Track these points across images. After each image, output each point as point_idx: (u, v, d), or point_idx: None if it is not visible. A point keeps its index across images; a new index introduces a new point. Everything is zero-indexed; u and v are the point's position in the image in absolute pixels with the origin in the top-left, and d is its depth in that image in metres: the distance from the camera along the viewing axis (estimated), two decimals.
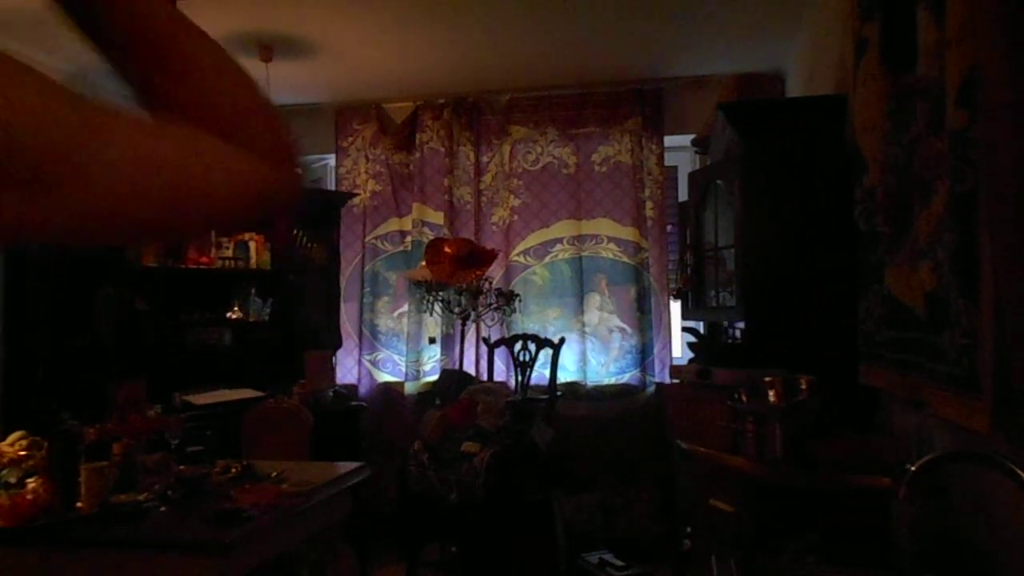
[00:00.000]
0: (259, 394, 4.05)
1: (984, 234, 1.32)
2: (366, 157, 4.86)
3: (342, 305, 4.78)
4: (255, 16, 3.53)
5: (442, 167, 4.71)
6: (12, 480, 2.45)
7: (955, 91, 1.37)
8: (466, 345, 4.46)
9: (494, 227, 4.66)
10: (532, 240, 4.65)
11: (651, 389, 4.47)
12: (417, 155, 4.77)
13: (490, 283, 4.29)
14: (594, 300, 4.60)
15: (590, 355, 4.57)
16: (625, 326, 4.52)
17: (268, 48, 3.87)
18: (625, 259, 4.54)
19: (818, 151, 2.63)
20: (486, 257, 4.22)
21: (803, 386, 2.10)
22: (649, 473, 4.22)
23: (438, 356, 4.65)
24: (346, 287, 4.84)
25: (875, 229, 2.01)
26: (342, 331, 4.74)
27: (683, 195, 4.27)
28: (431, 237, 4.57)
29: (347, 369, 4.86)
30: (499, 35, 3.83)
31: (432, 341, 4.64)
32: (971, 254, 1.36)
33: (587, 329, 4.57)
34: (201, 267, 4.25)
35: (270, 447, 3.43)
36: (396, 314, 4.84)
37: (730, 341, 3.53)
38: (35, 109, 0.45)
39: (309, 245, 4.65)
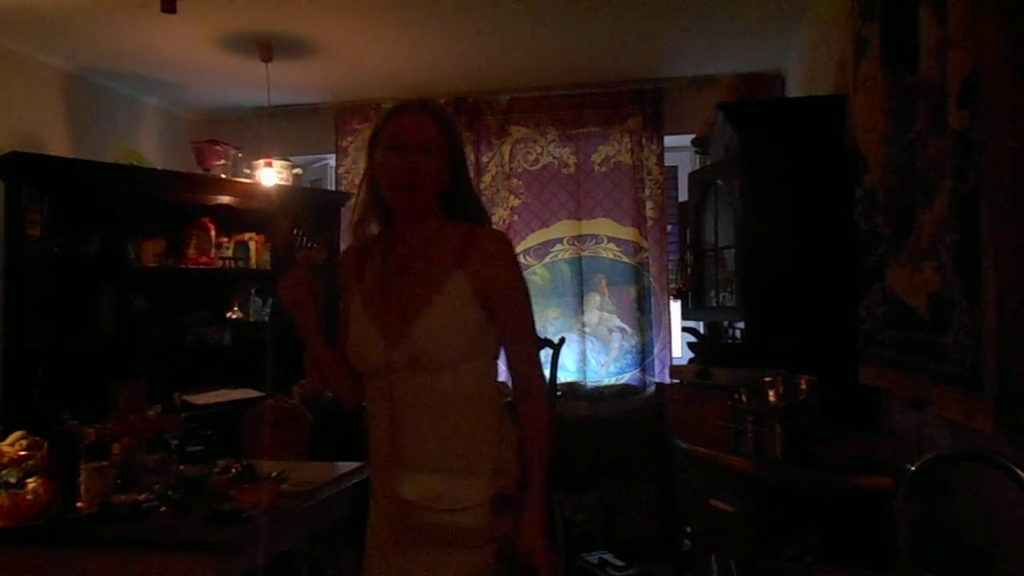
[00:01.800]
0: (259, 394, 4.05)
1: (987, 234, 1.32)
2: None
3: (341, 305, 4.76)
4: (255, 16, 3.53)
5: None
6: (12, 480, 2.45)
7: (957, 91, 1.37)
8: None
9: (494, 227, 4.65)
10: (532, 240, 4.65)
11: (651, 389, 4.47)
12: None
13: None
14: (594, 300, 4.60)
15: (590, 355, 4.57)
16: (625, 326, 4.53)
17: (268, 48, 3.87)
18: (625, 259, 4.54)
19: (818, 151, 2.63)
20: None
21: (803, 386, 2.10)
22: (649, 473, 4.21)
23: None
24: None
25: (876, 229, 2.01)
26: None
27: (683, 195, 4.27)
28: None
29: None
30: (499, 35, 3.83)
31: None
32: (974, 254, 1.36)
33: (587, 329, 4.57)
34: (201, 267, 4.25)
35: (270, 447, 3.42)
36: None
37: (730, 341, 3.53)
38: None
39: (309, 245, 4.65)
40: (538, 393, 1.56)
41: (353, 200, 1.66)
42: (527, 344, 1.58)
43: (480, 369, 1.53)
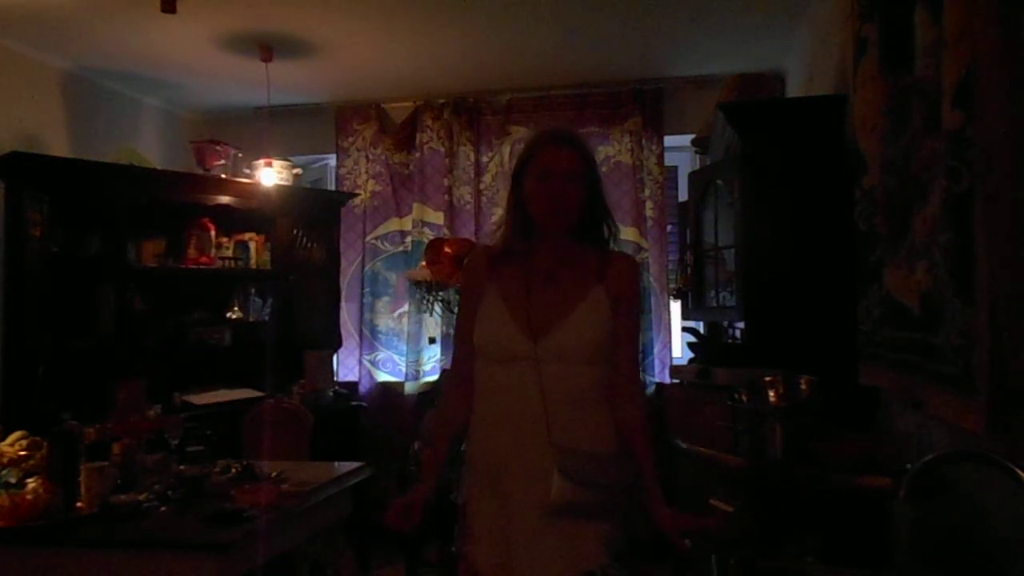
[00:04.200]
0: (259, 394, 4.05)
1: (980, 235, 1.32)
2: (366, 157, 4.86)
3: (342, 305, 4.78)
4: (255, 16, 3.53)
5: (442, 167, 4.71)
6: (12, 480, 2.45)
7: (951, 91, 1.37)
8: None
9: (494, 227, 4.65)
10: None
11: (651, 389, 4.47)
12: (417, 155, 4.77)
13: None
14: None
15: None
16: None
17: (268, 48, 3.87)
18: None
19: (818, 151, 2.62)
20: None
21: (803, 386, 2.09)
22: None
23: (438, 356, 4.65)
24: (346, 287, 4.84)
25: (874, 229, 2.01)
26: (342, 331, 4.74)
27: (683, 195, 4.27)
28: (431, 237, 4.57)
29: (347, 369, 4.86)
30: (499, 35, 3.83)
31: (432, 341, 4.64)
32: (967, 255, 1.36)
33: None
34: (201, 267, 4.25)
35: (270, 447, 3.43)
36: (396, 314, 4.84)
37: (730, 341, 3.53)
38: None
39: (309, 245, 4.65)
40: (641, 392, 1.86)
41: (498, 217, 1.91)
42: (635, 350, 1.86)
43: (607, 369, 1.75)
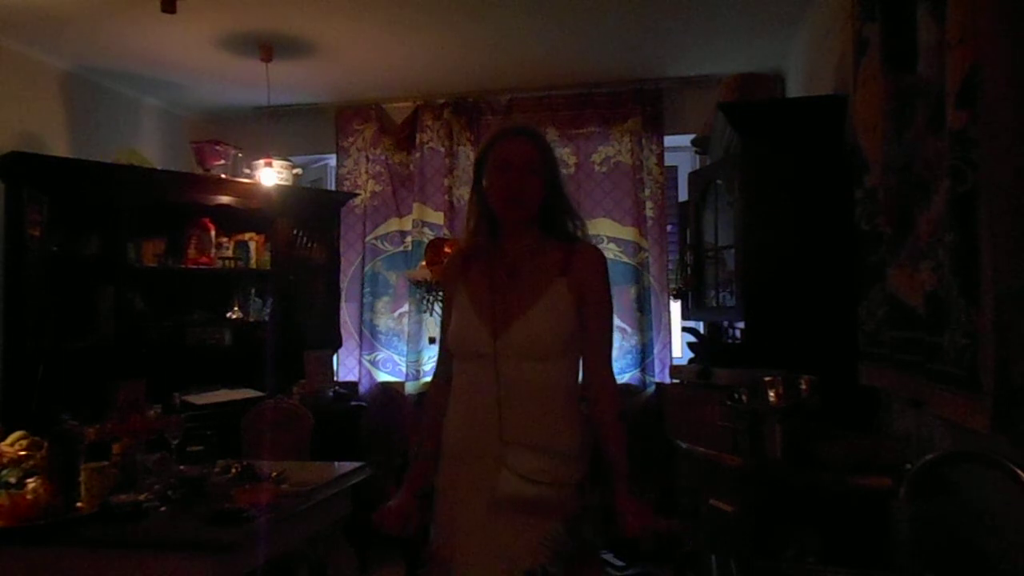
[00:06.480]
0: (259, 394, 4.05)
1: (985, 234, 1.32)
2: (366, 157, 4.86)
3: (342, 305, 4.78)
4: (255, 16, 3.53)
5: (442, 167, 4.71)
6: (12, 480, 2.45)
7: (955, 91, 1.37)
8: None
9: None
10: None
11: (651, 389, 4.47)
12: (417, 155, 4.77)
13: None
14: None
15: None
16: (625, 326, 4.52)
17: (268, 48, 3.87)
18: (625, 259, 4.54)
19: (818, 151, 2.63)
20: None
21: (803, 386, 2.09)
22: (649, 473, 4.21)
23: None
24: (346, 287, 4.85)
25: (877, 229, 2.01)
26: (342, 331, 4.74)
27: (683, 195, 4.27)
28: (431, 237, 4.57)
29: (347, 369, 4.86)
30: (499, 35, 3.83)
31: (432, 341, 4.64)
32: (972, 254, 1.36)
33: None
34: (201, 267, 4.25)
35: (270, 447, 3.43)
36: (396, 314, 4.84)
37: (730, 341, 3.53)
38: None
39: (309, 245, 4.65)
40: (614, 389, 1.80)
41: (466, 212, 1.89)
42: (606, 346, 1.82)
43: (573, 365, 1.77)
